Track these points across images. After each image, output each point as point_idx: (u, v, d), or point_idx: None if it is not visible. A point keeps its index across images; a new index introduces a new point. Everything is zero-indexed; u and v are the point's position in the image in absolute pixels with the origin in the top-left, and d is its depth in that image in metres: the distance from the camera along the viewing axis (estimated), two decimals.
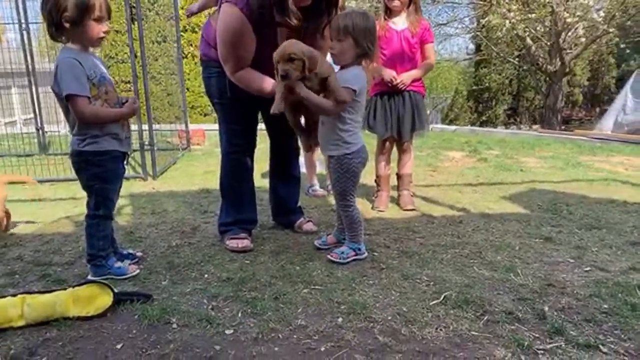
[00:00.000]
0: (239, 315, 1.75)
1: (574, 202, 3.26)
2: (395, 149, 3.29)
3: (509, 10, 10.41)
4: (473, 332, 1.62)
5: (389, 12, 3.04)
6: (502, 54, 14.65)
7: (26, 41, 5.63)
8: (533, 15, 10.27)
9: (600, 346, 1.52)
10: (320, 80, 2.10)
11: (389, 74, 2.96)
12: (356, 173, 2.24)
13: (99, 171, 1.95)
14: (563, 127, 12.53)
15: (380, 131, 3.12)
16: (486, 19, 11.05)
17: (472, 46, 17.90)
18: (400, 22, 3.02)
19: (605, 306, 1.77)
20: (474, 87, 17.49)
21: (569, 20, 9.91)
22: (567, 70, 12.82)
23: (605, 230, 2.64)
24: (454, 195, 3.53)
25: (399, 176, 3.28)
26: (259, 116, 2.57)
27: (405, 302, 1.83)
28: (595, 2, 9.89)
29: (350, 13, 2.18)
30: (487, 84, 16.96)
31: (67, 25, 1.81)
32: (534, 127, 14.40)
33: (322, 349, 1.54)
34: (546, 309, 1.76)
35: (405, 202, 3.19)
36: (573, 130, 9.87)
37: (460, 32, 14.65)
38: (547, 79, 13.27)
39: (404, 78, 2.98)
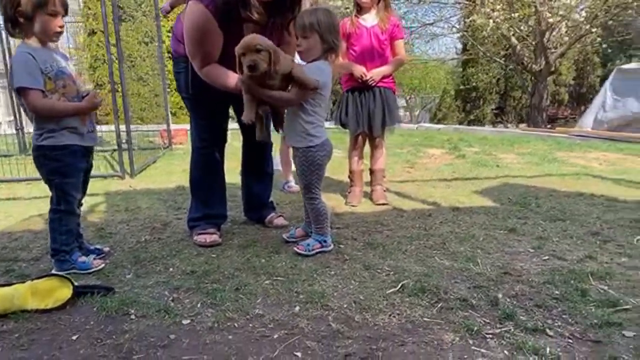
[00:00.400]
0: (198, 305, 1.77)
1: (544, 196, 3.31)
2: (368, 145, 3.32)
3: (493, 10, 10.53)
4: (425, 319, 1.65)
5: (359, 9, 3.08)
6: (488, 54, 14.78)
7: (4, 40, 5.61)
8: (516, 14, 10.38)
9: (547, 330, 1.56)
10: (282, 77, 2.13)
11: (358, 70, 3.00)
12: (321, 166, 2.27)
13: (57, 166, 1.95)
14: (549, 126, 12.64)
15: (352, 127, 3.16)
16: (470, 18, 11.16)
17: (459, 46, 18.04)
18: (370, 19, 3.07)
19: (557, 292, 1.81)
20: (462, 87, 17.62)
21: (550, 20, 10.02)
22: (552, 69, 12.95)
23: (569, 222, 2.69)
24: (427, 190, 3.56)
25: (371, 171, 3.31)
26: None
27: (363, 290, 1.86)
28: (578, 1, 10.02)
29: (314, 10, 2.22)
30: (474, 84, 17.11)
31: (21, 20, 1.82)
32: (521, 125, 14.55)
33: (276, 336, 1.56)
34: (500, 296, 1.79)
35: (377, 196, 3.22)
36: (554, 128, 9.99)
37: (446, 32, 14.78)
38: (533, 78, 13.41)
39: (374, 74, 3.01)
